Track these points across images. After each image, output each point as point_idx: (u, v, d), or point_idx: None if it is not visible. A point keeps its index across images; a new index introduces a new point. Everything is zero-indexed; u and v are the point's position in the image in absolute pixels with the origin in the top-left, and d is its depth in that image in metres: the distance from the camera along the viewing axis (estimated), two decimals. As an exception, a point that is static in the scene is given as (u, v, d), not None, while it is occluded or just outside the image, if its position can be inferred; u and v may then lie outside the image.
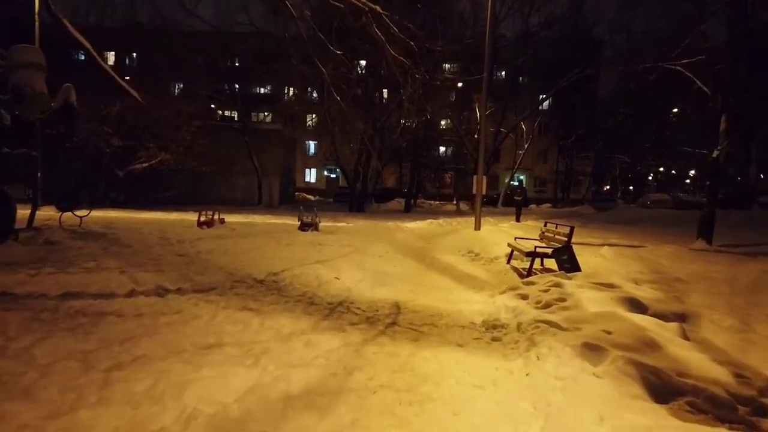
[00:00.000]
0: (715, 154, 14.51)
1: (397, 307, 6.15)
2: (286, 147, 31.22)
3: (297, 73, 27.59)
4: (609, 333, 4.14)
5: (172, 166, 23.19)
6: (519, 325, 4.88)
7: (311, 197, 44.41)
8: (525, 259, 9.68)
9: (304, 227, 13.84)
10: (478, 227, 13.95)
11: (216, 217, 14.44)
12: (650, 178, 50.37)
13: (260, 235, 12.83)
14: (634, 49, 35.92)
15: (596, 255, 9.66)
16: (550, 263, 8.92)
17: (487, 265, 9.76)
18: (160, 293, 6.45)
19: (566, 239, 7.98)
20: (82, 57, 26.14)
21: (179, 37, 34.44)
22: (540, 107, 40.12)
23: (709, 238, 14.41)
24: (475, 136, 36.86)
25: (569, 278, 6.59)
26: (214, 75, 36.06)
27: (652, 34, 36.38)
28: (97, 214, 19.65)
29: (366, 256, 10.29)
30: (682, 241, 15.83)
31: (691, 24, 17.86)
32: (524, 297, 5.98)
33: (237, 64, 44.78)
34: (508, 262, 9.79)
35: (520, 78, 40.16)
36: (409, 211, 30.39)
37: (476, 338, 4.90)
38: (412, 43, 7.66)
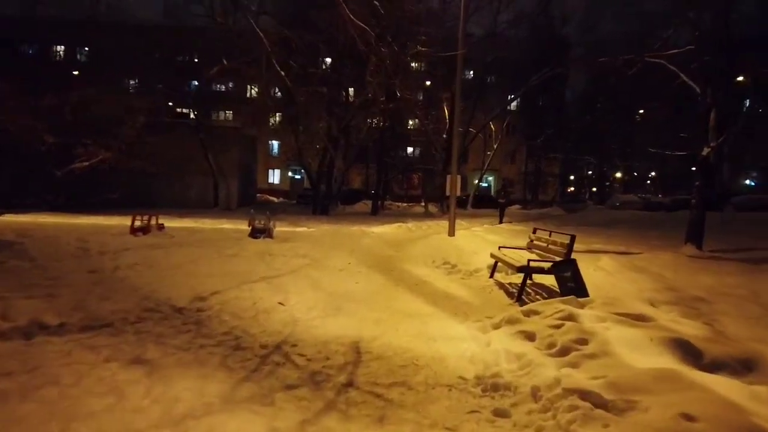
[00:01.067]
0: (705, 152, 13.33)
1: (357, 352, 4.45)
2: (245, 146, 29.14)
3: (257, 69, 25.71)
4: (691, 419, 2.54)
5: (114, 165, 20.91)
6: (535, 393, 3.25)
7: (274, 199, 42.29)
8: (510, 272, 8.14)
9: (255, 234, 12.00)
10: (452, 232, 12.39)
11: (153, 222, 12.46)
12: (611, 179, 49.96)
13: (202, 244, 10.95)
14: (603, 48, 35.38)
15: (594, 267, 8.18)
16: (541, 279, 7.40)
17: (467, 280, 8.16)
18: (30, 332, 4.69)
19: (566, 251, 6.45)
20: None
21: (133, 31, 32.02)
22: (509, 107, 39.05)
23: (699, 243, 13.24)
24: (444, 136, 35.57)
25: (581, 305, 5.02)
26: (170, 70, 33.79)
27: (619, 34, 35.95)
28: (22, 218, 17.38)
29: (323, 271, 8.57)
30: (669, 245, 14.64)
31: (659, 23, 17.03)
32: (530, 336, 4.36)
33: (196, 60, 42.74)
34: (492, 276, 8.22)
35: (489, 78, 39.09)
36: (376, 213, 28.74)
37: (472, 411, 3.25)
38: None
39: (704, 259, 11.12)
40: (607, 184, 49.63)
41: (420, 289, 7.36)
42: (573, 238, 6.54)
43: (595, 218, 27.88)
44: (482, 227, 18.22)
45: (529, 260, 6.50)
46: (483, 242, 11.44)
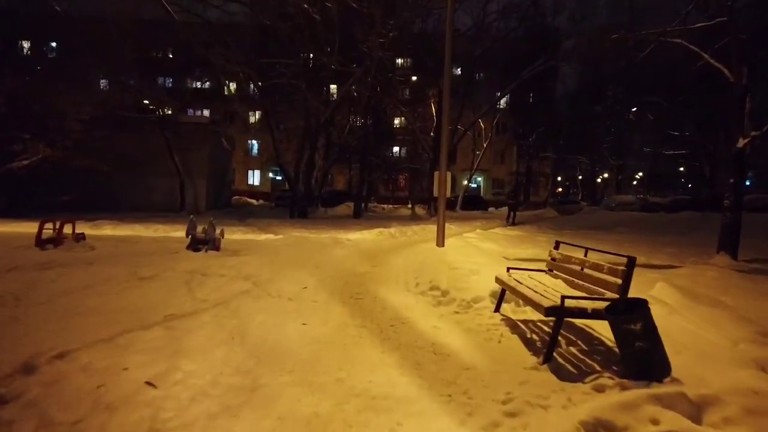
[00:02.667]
0: (740, 143, 11.02)
1: None
2: (216, 143, 26.45)
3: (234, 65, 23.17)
4: None
5: (62, 164, 18.20)
6: None
7: (253, 201, 39.64)
8: (522, 304, 5.70)
9: (195, 246, 9.46)
10: (441, 242, 9.92)
11: (69, 231, 9.86)
12: (599, 180, 47.78)
13: (119, 261, 8.39)
14: (595, 41, 33.23)
15: (647, 297, 5.72)
16: (564, 324, 4.97)
17: (464, 316, 5.70)
18: None
19: (622, 283, 4.02)
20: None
21: (103, 25, 29.16)
22: (498, 105, 36.75)
23: (734, 252, 10.94)
24: (431, 134, 33.21)
25: (694, 408, 2.57)
26: (143, 66, 31.06)
27: (611, 27, 33.83)
28: None
29: (264, 302, 6.08)
30: (691, 252, 12.35)
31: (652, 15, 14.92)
32: None
33: (170, 56, 40.07)
34: (498, 310, 5.76)
35: (477, 75, 36.77)
36: (359, 216, 26.22)
37: None
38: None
39: (756, 274, 8.79)
40: (607, 184, 47.51)
41: (396, 337, 4.87)
42: (632, 264, 4.10)
43: (592, 220, 25.63)
44: (475, 232, 15.81)
45: (564, 297, 4.04)
46: (479, 254, 9.00)
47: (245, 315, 5.37)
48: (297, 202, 24.59)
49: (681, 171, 47.51)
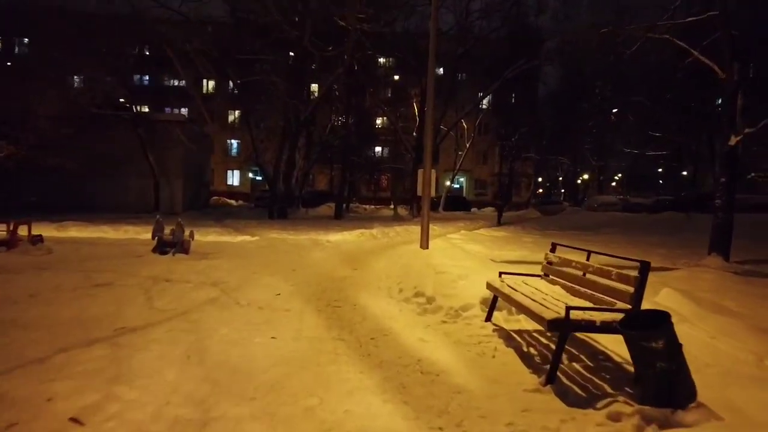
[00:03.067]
0: (732, 141, 10.68)
1: None
2: (193, 142, 25.56)
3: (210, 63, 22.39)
4: None
5: (27, 162, 17.27)
6: None
7: (232, 202, 38.71)
8: (515, 312, 5.18)
9: (162, 248, 8.77)
10: (425, 244, 9.37)
11: (25, 233, 9.09)
12: (580, 181, 47.79)
13: (76, 266, 7.68)
14: (578, 41, 33.07)
15: (654, 305, 5.22)
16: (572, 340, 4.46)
17: (452, 326, 5.14)
18: None
19: (635, 292, 3.51)
20: None
21: (77, 21, 28.05)
22: (481, 105, 36.39)
23: (726, 253, 10.59)
24: (414, 134, 32.72)
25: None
26: (115, 61, 30.00)
27: (596, 26, 33.66)
28: None
29: (232, 311, 5.46)
30: (681, 253, 12.01)
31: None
32: None
33: (147, 53, 39.03)
34: (489, 319, 5.22)
35: (460, 75, 36.41)
36: (341, 217, 25.56)
37: None
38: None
39: (751, 276, 8.42)
40: (579, 184, 47.52)
41: (378, 352, 4.29)
42: (646, 270, 3.58)
43: (576, 221, 25.36)
44: (459, 233, 15.33)
45: (569, 308, 3.51)
46: (466, 257, 8.48)
47: (206, 328, 4.75)
48: (276, 203, 23.86)
49: (659, 172, 47.90)
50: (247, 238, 13.59)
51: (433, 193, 9.80)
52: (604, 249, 12.23)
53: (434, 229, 18.09)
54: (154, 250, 8.70)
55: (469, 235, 14.86)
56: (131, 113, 22.82)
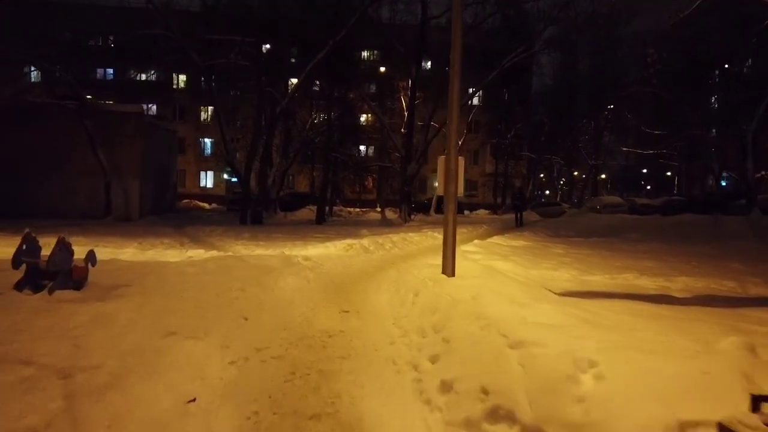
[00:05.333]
0: None
1: None
2: (151, 136, 21.86)
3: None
4: None
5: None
6: None
7: (205, 205, 34.98)
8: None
9: (34, 282, 5.29)
10: (450, 269, 6.05)
11: None
12: (576, 180, 45.08)
13: None
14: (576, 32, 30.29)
15: None
16: None
17: None
18: None
19: None
20: None
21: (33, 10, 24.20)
22: (472, 101, 33.19)
23: None
24: (402, 130, 29.43)
25: None
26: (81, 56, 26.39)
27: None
28: None
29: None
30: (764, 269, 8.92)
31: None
32: None
33: (112, 45, 35.31)
34: None
35: (447, 70, 33.32)
36: (322, 222, 22.14)
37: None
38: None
39: None
40: (577, 184, 44.78)
41: None
42: None
43: (586, 224, 22.15)
44: (472, 244, 12.03)
45: None
46: (523, 290, 5.18)
47: None
48: (249, 206, 20.34)
49: (644, 172, 45.76)
50: (200, 252, 10.13)
51: (461, 191, 6.46)
52: (661, 265, 9.10)
53: (436, 237, 14.83)
54: (19, 286, 5.23)
55: (485, 245, 11.57)
56: (75, 102, 19.05)
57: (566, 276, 7.92)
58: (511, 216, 28.69)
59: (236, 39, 18.43)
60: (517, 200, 21.75)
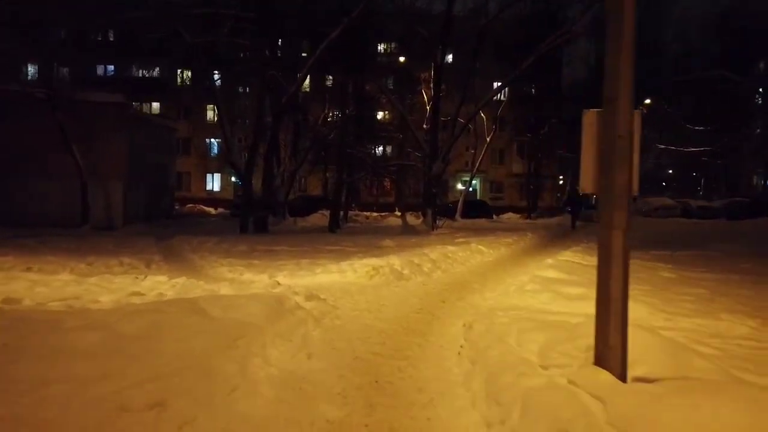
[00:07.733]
0: None
1: None
2: (141, 132, 18.68)
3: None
4: None
5: None
6: None
7: (211, 210, 31.79)
8: None
9: None
10: (619, 361, 2.52)
11: None
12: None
13: None
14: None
15: None
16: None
17: None
18: None
19: None
20: None
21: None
22: (501, 94, 29.56)
23: None
24: (425, 126, 25.99)
25: None
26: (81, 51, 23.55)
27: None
28: None
29: None
30: None
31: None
32: None
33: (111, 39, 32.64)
34: None
35: (477, 63, 29.76)
36: (336, 229, 18.67)
37: None
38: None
39: None
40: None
41: None
42: None
43: (649, 231, 18.39)
44: (546, 264, 8.47)
45: None
46: None
47: None
48: (251, 211, 17.00)
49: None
50: (160, 282, 6.75)
51: (635, 188, 2.98)
52: None
53: (482, 251, 11.32)
54: None
55: (566, 267, 7.99)
56: (46, 91, 15.88)
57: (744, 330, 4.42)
58: (549, 221, 25.15)
59: (229, 13, 15.14)
60: (571, 203, 19.41)
